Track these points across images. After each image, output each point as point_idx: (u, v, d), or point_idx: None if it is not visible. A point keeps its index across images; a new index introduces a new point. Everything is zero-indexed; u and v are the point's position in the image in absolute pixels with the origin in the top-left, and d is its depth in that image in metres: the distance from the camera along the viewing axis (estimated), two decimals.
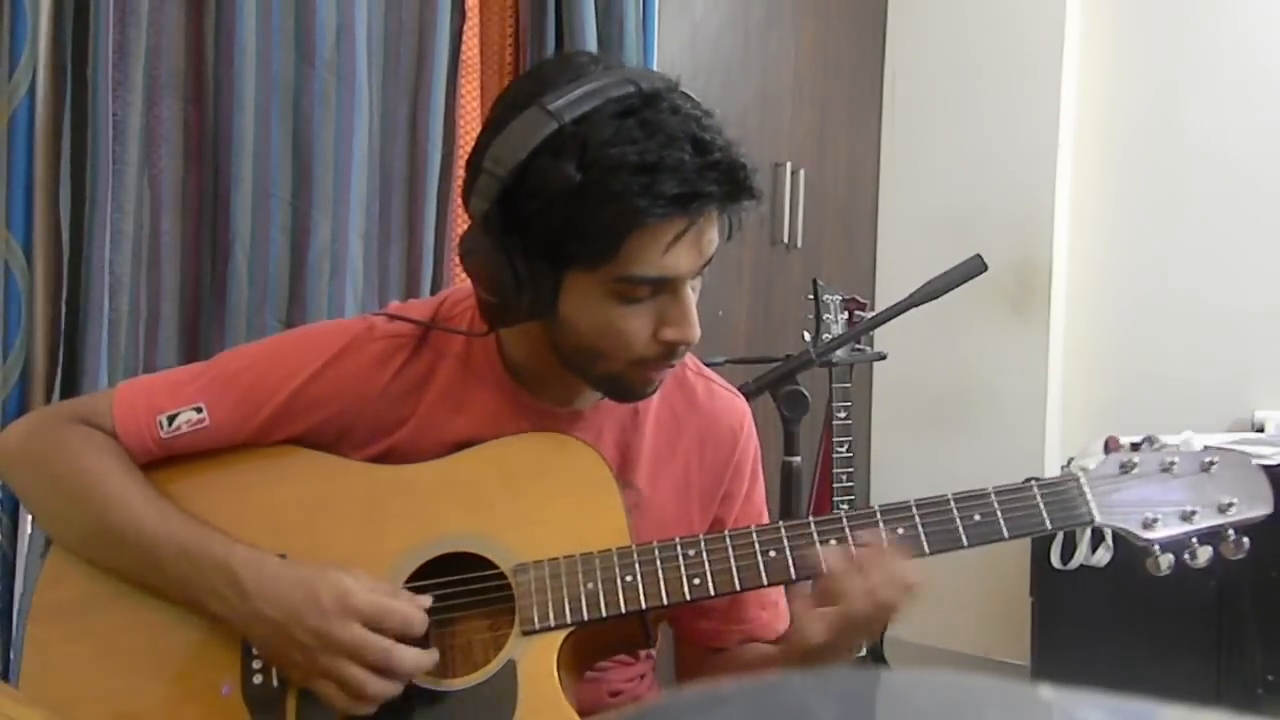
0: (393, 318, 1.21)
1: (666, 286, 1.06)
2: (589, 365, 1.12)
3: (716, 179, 1.02)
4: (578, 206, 1.01)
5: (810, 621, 1.06)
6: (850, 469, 2.24)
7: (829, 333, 2.16)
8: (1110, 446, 1.13)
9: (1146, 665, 2.65)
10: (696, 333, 1.08)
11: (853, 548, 1.09)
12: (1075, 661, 2.75)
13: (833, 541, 1.09)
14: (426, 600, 1.10)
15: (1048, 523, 1.09)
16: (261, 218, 1.86)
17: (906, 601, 1.07)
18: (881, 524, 1.09)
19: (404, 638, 1.07)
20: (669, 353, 1.10)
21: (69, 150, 1.59)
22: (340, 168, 1.92)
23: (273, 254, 1.87)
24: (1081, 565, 2.69)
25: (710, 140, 1.02)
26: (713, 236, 1.06)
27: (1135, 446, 1.14)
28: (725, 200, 1.04)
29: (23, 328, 1.59)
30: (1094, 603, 2.74)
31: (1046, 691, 0.49)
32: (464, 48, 2.10)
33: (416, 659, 1.08)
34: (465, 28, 2.10)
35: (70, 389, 1.60)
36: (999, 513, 1.09)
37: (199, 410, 1.16)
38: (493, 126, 1.07)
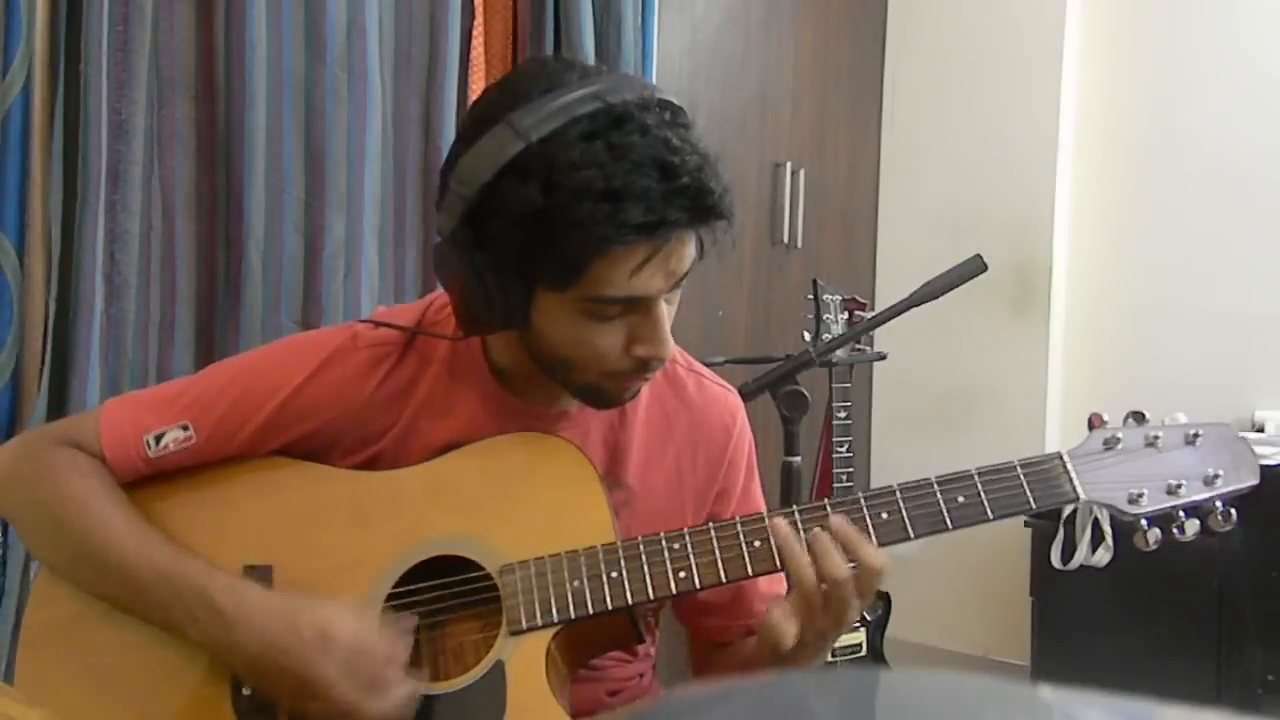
0: (378, 325, 1.20)
1: (637, 306, 1.06)
2: (564, 375, 1.12)
3: (683, 205, 1.00)
4: (542, 230, 1.00)
5: (773, 607, 1.07)
6: (850, 469, 2.25)
7: (829, 333, 2.16)
8: (1094, 424, 1.12)
9: (1146, 665, 2.64)
10: (669, 350, 1.08)
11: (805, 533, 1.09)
12: (1075, 661, 2.75)
13: (817, 529, 1.09)
14: (410, 622, 1.10)
15: (1032, 502, 1.09)
16: (275, 216, 1.85)
17: (869, 583, 1.06)
18: (866, 509, 1.09)
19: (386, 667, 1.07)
20: (643, 366, 1.10)
21: (61, 149, 1.59)
22: (354, 165, 1.91)
23: (287, 252, 1.86)
24: (1081, 565, 2.69)
25: (679, 164, 1.00)
26: (685, 254, 1.05)
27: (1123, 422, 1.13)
28: (692, 225, 1.03)
29: (14, 327, 1.59)
30: (1094, 603, 2.74)
31: (1046, 691, 0.49)
32: (473, 46, 2.10)
33: (394, 700, 1.07)
34: (475, 26, 2.10)
35: (59, 389, 1.60)
36: (982, 493, 1.09)
37: (185, 428, 1.15)
38: (463, 139, 1.06)
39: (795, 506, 1.11)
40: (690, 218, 1.02)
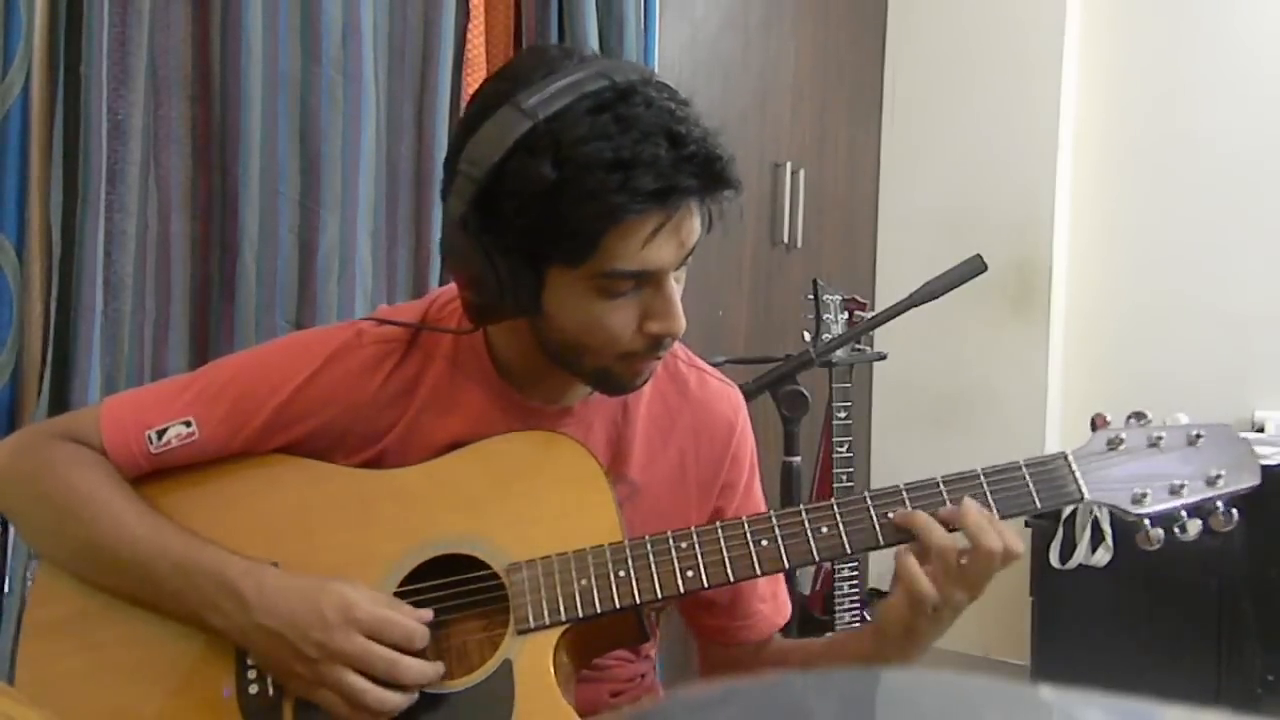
0: (381, 322, 1.20)
1: (649, 280, 1.06)
2: (576, 360, 1.12)
3: (693, 172, 1.02)
4: (554, 205, 1.00)
5: (917, 575, 1.06)
6: (850, 469, 2.24)
7: (829, 333, 2.16)
8: (1097, 424, 1.13)
9: (1146, 665, 2.65)
10: (681, 324, 1.08)
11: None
12: (1075, 661, 2.75)
13: (824, 529, 1.09)
14: (428, 614, 1.10)
15: (1037, 502, 1.09)
16: (270, 217, 1.85)
17: (1000, 560, 1.06)
18: (872, 509, 1.09)
19: (405, 650, 1.07)
20: (656, 345, 1.10)
21: (61, 148, 1.59)
22: (348, 166, 1.91)
23: (281, 253, 1.86)
24: (1081, 565, 2.69)
25: (686, 133, 1.01)
26: (693, 226, 1.06)
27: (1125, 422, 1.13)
28: (703, 192, 1.04)
29: (14, 326, 1.59)
30: (1094, 603, 2.74)
31: (1046, 692, 0.49)
32: (469, 46, 2.10)
33: (421, 670, 1.07)
34: (470, 26, 2.10)
35: (60, 389, 1.59)
36: (988, 494, 1.09)
37: (188, 424, 1.15)
38: (468, 125, 1.06)
39: (802, 506, 1.11)
40: (700, 184, 1.03)
